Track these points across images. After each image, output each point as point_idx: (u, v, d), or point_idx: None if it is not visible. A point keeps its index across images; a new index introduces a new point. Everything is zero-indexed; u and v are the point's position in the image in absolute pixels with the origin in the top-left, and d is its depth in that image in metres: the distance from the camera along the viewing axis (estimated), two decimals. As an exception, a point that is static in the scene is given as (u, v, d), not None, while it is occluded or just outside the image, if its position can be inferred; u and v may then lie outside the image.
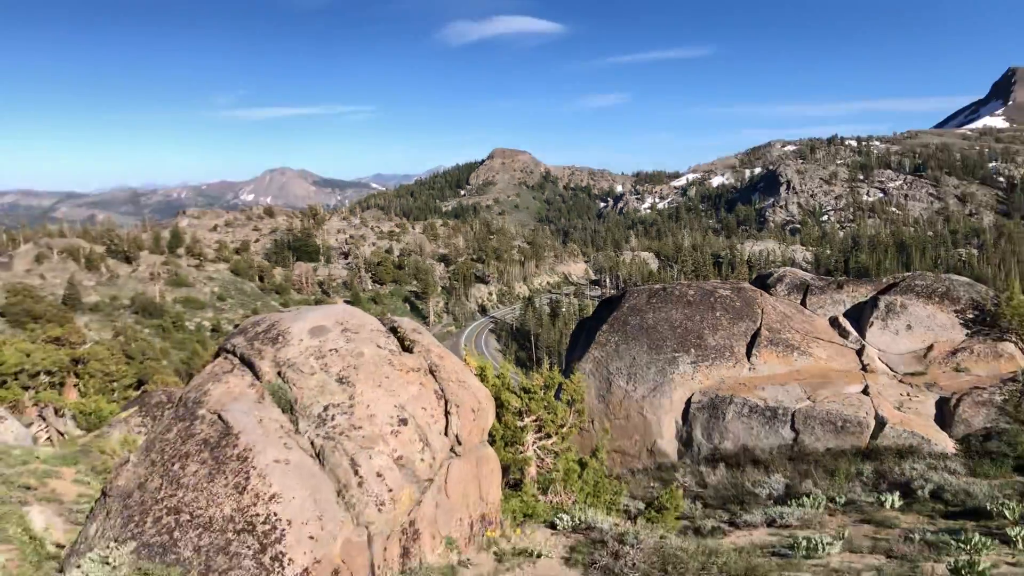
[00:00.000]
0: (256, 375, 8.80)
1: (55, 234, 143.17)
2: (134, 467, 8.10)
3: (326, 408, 8.32)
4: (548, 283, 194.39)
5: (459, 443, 8.91)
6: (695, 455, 21.17)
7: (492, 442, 10.82)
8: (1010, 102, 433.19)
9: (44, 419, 33.29)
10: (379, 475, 7.87)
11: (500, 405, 11.49)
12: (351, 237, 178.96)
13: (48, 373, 42.20)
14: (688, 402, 22.01)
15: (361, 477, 7.78)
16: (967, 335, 23.27)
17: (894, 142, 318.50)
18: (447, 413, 8.94)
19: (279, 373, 8.73)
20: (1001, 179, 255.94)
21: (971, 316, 23.70)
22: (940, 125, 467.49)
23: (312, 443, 8.03)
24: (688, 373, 22.60)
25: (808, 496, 15.34)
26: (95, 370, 46.14)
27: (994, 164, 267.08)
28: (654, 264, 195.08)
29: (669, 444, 21.93)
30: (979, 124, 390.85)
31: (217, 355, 9.62)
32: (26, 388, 39.47)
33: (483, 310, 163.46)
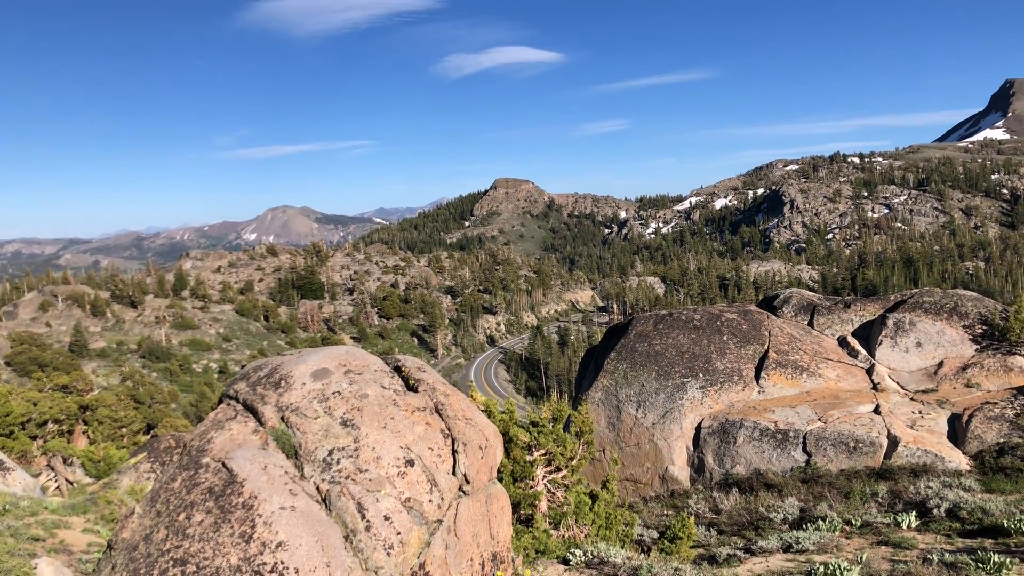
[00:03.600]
0: (260, 421, 8.73)
1: (59, 281, 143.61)
2: (139, 518, 8.01)
3: (331, 452, 8.23)
4: (556, 311, 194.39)
5: (467, 482, 8.80)
6: (707, 481, 20.98)
7: (501, 478, 10.70)
8: (1009, 114, 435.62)
9: (53, 468, 33.17)
10: (387, 518, 7.77)
11: (508, 440, 11.39)
12: (355, 273, 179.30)
13: (56, 421, 42.11)
14: (698, 427, 21.86)
15: (368, 521, 7.68)
16: (977, 350, 23.11)
17: (897, 157, 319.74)
18: (454, 452, 8.84)
19: (283, 418, 8.65)
20: (1005, 191, 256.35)
21: (980, 331, 23.56)
22: (942, 139, 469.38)
23: (318, 488, 7.93)
24: (697, 398, 22.46)
25: (823, 519, 15.12)
26: (104, 417, 46.05)
27: (997, 176, 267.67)
28: (660, 289, 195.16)
29: (681, 471, 21.74)
30: (980, 136, 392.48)
31: (220, 401, 9.55)
32: (34, 437, 39.38)
33: (492, 341, 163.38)
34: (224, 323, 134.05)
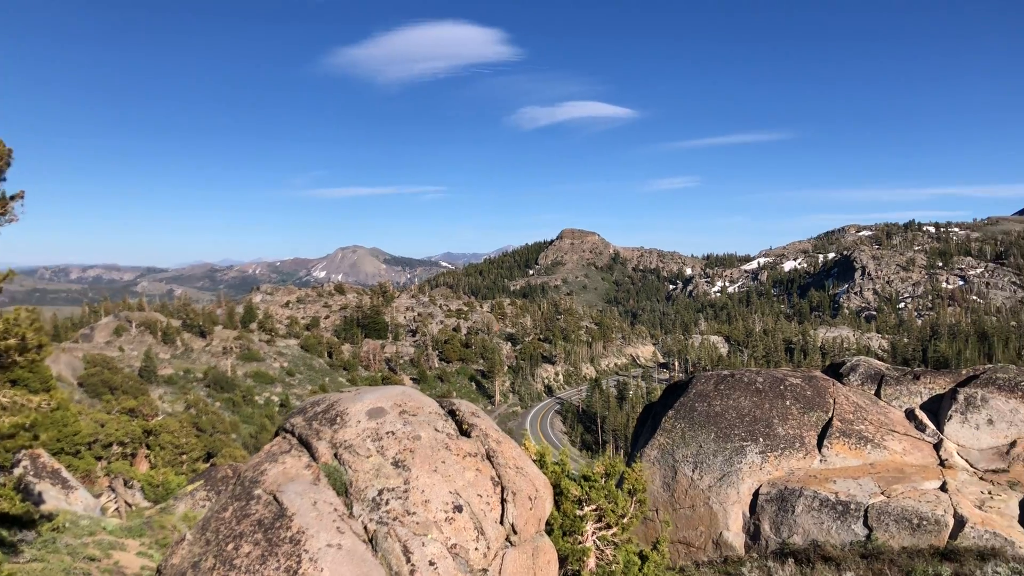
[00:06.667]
0: (313, 456, 8.81)
1: (134, 308, 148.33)
2: (189, 545, 8.11)
3: (380, 492, 8.25)
4: (615, 365, 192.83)
5: (515, 532, 8.71)
6: (763, 549, 20.35)
7: (550, 531, 10.57)
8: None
9: (114, 490, 33.87)
10: (432, 564, 7.72)
11: (559, 493, 11.26)
12: (419, 315, 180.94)
13: (121, 444, 43.13)
14: (756, 493, 21.27)
15: (413, 565, 7.65)
16: (1054, 432, 22.12)
17: (974, 228, 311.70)
18: (503, 501, 8.77)
19: (336, 455, 8.72)
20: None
21: (1058, 412, 22.57)
22: (1023, 212, 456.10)
23: (365, 528, 7.95)
24: (757, 463, 21.91)
25: (884, 599, 14.54)
26: (166, 442, 47.00)
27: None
28: (724, 348, 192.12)
29: (736, 537, 21.15)
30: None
31: (277, 434, 9.68)
32: (99, 458, 40.37)
33: (549, 391, 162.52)
34: (288, 357, 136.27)
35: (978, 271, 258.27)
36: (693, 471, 22.39)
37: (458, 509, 8.31)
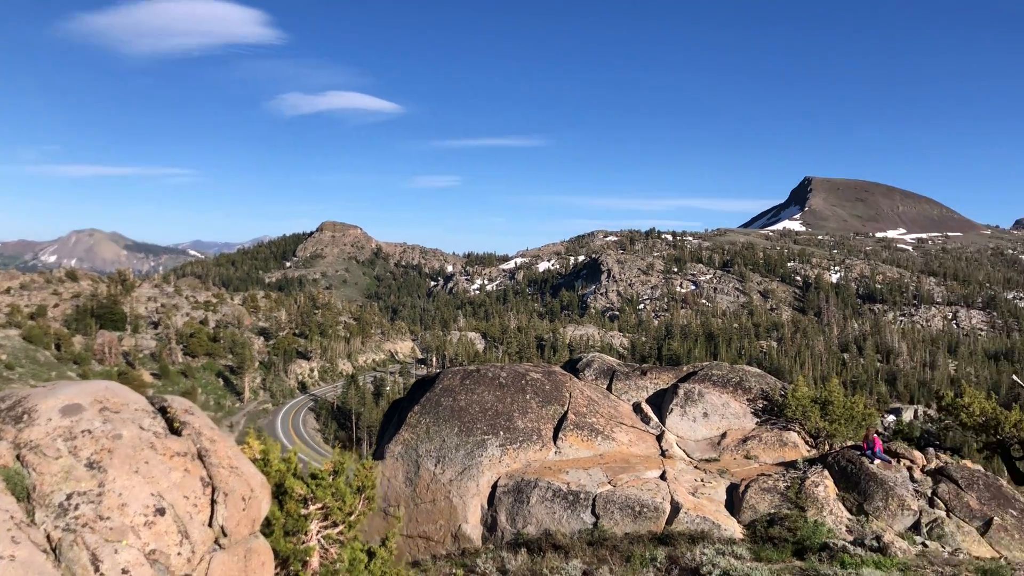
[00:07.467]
0: (-10, 458, 7.83)
1: None
2: None
3: (70, 496, 7.47)
4: (374, 361, 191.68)
5: (225, 534, 8.23)
6: (499, 540, 20.90)
7: (270, 532, 10.14)
8: (806, 208, 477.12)
9: None
10: (125, 572, 7.09)
11: (283, 492, 10.84)
12: (163, 306, 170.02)
13: None
14: (495, 486, 21.83)
15: (103, 574, 6.98)
16: (757, 424, 24.59)
17: (705, 238, 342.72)
18: (214, 502, 8.26)
19: (18, 456, 7.79)
20: (798, 278, 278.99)
21: (761, 406, 25.11)
22: (746, 225, 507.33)
23: (48, 536, 7.15)
24: (496, 456, 22.49)
25: (604, 583, 15.35)
26: None
27: (792, 264, 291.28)
28: (481, 345, 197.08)
29: (474, 529, 21.58)
30: (779, 226, 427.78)
31: (-49, 434, 8.51)
32: None
33: (303, 387, 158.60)
34: (8, 349, 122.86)
35: (708, 277, 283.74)
36: (436, 465, 22.58)
37: (160, 512, 7.71)
